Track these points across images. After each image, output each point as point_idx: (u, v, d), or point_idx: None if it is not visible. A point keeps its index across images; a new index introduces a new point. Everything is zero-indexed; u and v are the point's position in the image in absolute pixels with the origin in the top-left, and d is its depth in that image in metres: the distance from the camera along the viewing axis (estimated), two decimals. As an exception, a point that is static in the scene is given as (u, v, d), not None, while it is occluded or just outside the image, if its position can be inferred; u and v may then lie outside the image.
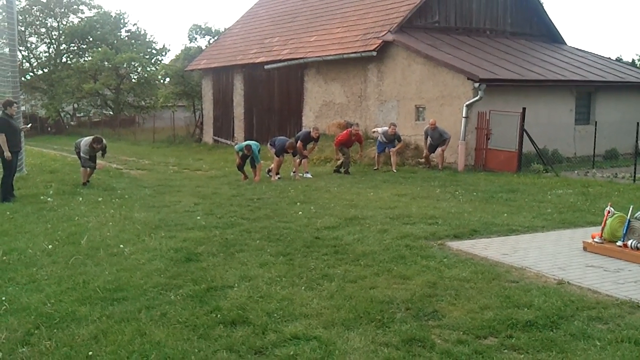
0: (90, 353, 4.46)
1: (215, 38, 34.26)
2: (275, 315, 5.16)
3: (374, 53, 19.92)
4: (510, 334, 4.76)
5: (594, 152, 18.58)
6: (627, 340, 4.62)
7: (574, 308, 5.31)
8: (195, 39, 37.29)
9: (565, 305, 5.36)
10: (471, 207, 10.58)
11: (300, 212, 9.90)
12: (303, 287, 5.92)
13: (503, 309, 5.26)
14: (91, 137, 13.88)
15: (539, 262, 6.87)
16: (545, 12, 24.26)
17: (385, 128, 17.04)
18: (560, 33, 24.47)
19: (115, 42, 42.98)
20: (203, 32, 37.01)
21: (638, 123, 16.41)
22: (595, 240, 7.45)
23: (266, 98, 26.02)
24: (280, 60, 24.06)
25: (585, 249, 7.46)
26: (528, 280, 6.19)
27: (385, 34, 20.11)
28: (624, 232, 7.23)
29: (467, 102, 17.29)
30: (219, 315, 5.14)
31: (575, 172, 16.79)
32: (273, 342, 4.64)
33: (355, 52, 20.62)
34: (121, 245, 7.58)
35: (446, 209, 10.25)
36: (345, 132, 16.82)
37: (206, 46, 35.02)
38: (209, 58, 29.93)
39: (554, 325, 4.93)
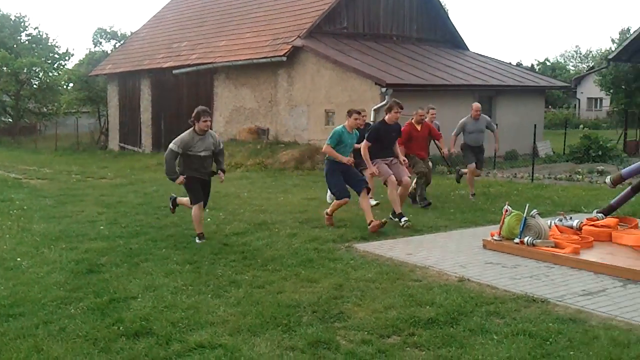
0: (-20, 373, 4.24)
1: (122, 42, 33.40)
2: (180, 324, 5.07)
3: (284, 58, 20.00)
4: (413, 332, 4.88)
5: (495, 153, 19.29)
6: (522, 333, 4.82)
7: (473, 304, 5.50)
8: (100, 43, 36.27)
9: (465, 301, 5.55)
10: (378, 209, 10.77)
11: (208, 219, 9.77)
12: (210, 295, 5.85)
13: (406, 308, 5.39)
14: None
15: (441, 261, 7.08)
16: (449, 19, 25.13)
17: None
18: (463, 39, 25.40)
19: (14, 46, 40.99)
20: (108, 36, 36.03)
21: (535, 125, 17.26)
22: (494, 238, 7.75)
23: (175, 103, 25.55)
24: (188, 65, 23.73)
25: (485, 246, 7.75)
26: (431, 279, 6.37)
27: (295, 39, 20.22)
28: (521, 229, 7.56)
29: (375, 107, 17.63)
30: (121, 328, 5.00)
31: (478, 173, 17.38)
32: (177, 352, 4.56)
33: (265, 57, 20.63)
34: (18, 259, 7.26)
35: (354, 212, 10.38)
36: (407, 123, 11.43)
37: (112, 50, 34.08)
38: (114, 63, 29.12)
39: (454, 321, 5.10)
